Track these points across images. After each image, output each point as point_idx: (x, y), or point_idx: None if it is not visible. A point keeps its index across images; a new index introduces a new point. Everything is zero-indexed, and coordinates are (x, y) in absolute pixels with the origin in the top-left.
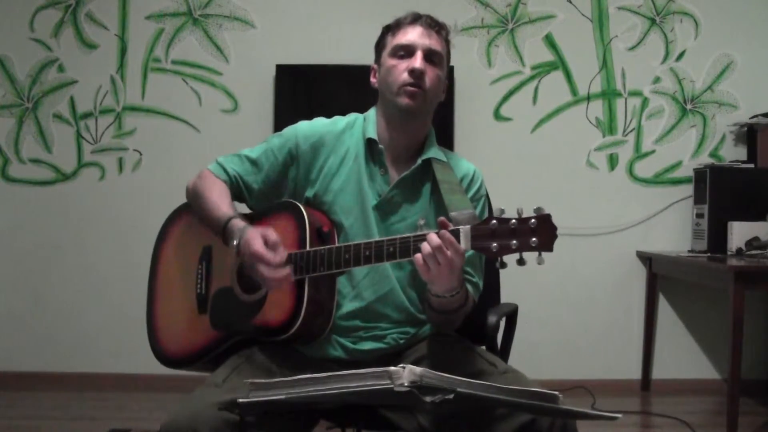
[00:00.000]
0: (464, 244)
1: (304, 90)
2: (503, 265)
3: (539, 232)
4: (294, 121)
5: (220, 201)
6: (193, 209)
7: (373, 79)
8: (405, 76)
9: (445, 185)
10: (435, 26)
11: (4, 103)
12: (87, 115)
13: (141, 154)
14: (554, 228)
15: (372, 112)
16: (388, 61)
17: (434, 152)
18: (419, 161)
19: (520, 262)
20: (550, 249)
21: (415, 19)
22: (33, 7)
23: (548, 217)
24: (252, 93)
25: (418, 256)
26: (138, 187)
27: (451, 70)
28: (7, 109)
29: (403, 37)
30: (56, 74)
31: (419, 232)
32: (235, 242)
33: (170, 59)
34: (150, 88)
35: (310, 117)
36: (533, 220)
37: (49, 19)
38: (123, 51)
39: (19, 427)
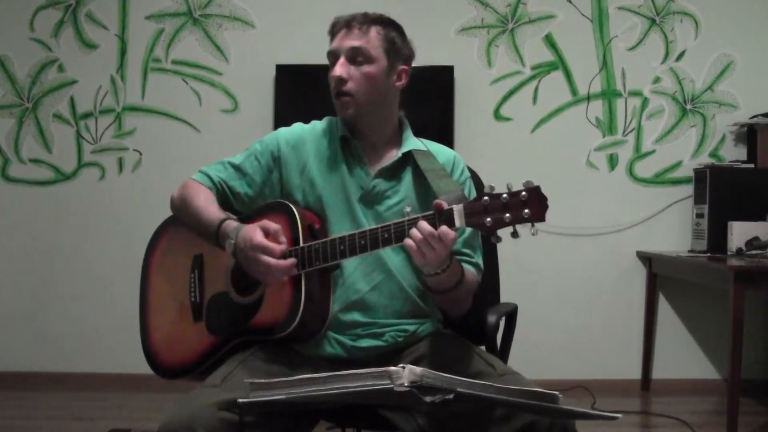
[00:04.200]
0: (458, 222)
1: (304, 90)
2: (498, 239)
3: (531, 204)
4: (294, 121)
5: (208, 205)
6: (180, 219)
7: None
8: (332, 85)
9: (431, 172)
10: (357, 23)
11: (4, 103)
12: (87, 115)
13: (141, 154)
14: (545, 198)
15: None
16: (329, 72)
17: (414, 144)
18: (399, 155)
19: (514, 234)
20: (542, 219)
21: (339, 22)
22: (33, 7)
23: (538, 188)
24: (252, 93)
25: (411, 242)
26: (138, 187)
27: (450, 69)
28: (7, 109)
29: (330, 45)
30: (56, 74)
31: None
32: (231, 241)
33: (170, 59)
34: (150, 88)
35: (310, 117)
36: (524, 193)
37: (49, 19)
38: (123, 51)
39: (19, 427)
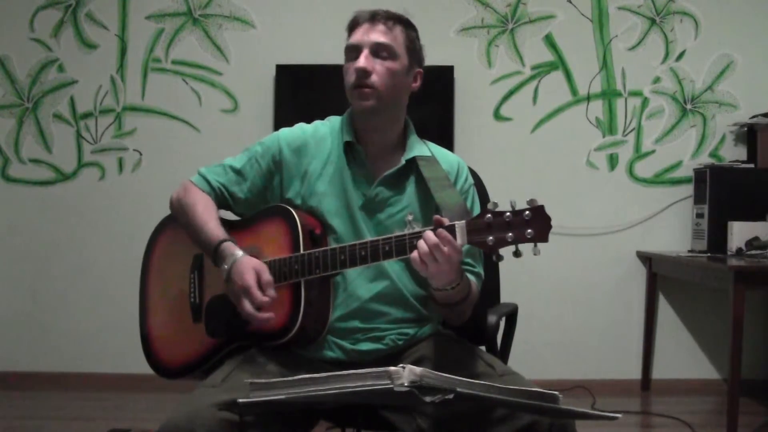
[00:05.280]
0: (460, 239)
1: (304, 90)
2: (500, 257)
3: (534, 224)
4: (294, 121)
5: (208, 218)
6: (178, 222)
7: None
8: (353, 78)
9: (434, 182)
10: (382, 19)
11: (4, 103)
12: (87, 115)
13: (141, 154)
14: (548, 218)
15: (348, 114)
16: (345, 65)
17: (418, 149)
18: (403, 161)
19: (516, 254)
20: (545, 239)
21: (361, 16)
22: (33, 7)
23: (542, 208)
24: (252, 93)
25: (415, 255)
26: (138, 187)
27: (450, 69)
28: (7, 109)
29: (351, 38)
30: (56, 74)
31: (409, 228)
32: (225, 267)
33: (170, 59)
34: (150, 88)
35: (310, 117)
36: (527, 212)
37: (49, 19)
38: (123, 51)
39: (19, 427)
